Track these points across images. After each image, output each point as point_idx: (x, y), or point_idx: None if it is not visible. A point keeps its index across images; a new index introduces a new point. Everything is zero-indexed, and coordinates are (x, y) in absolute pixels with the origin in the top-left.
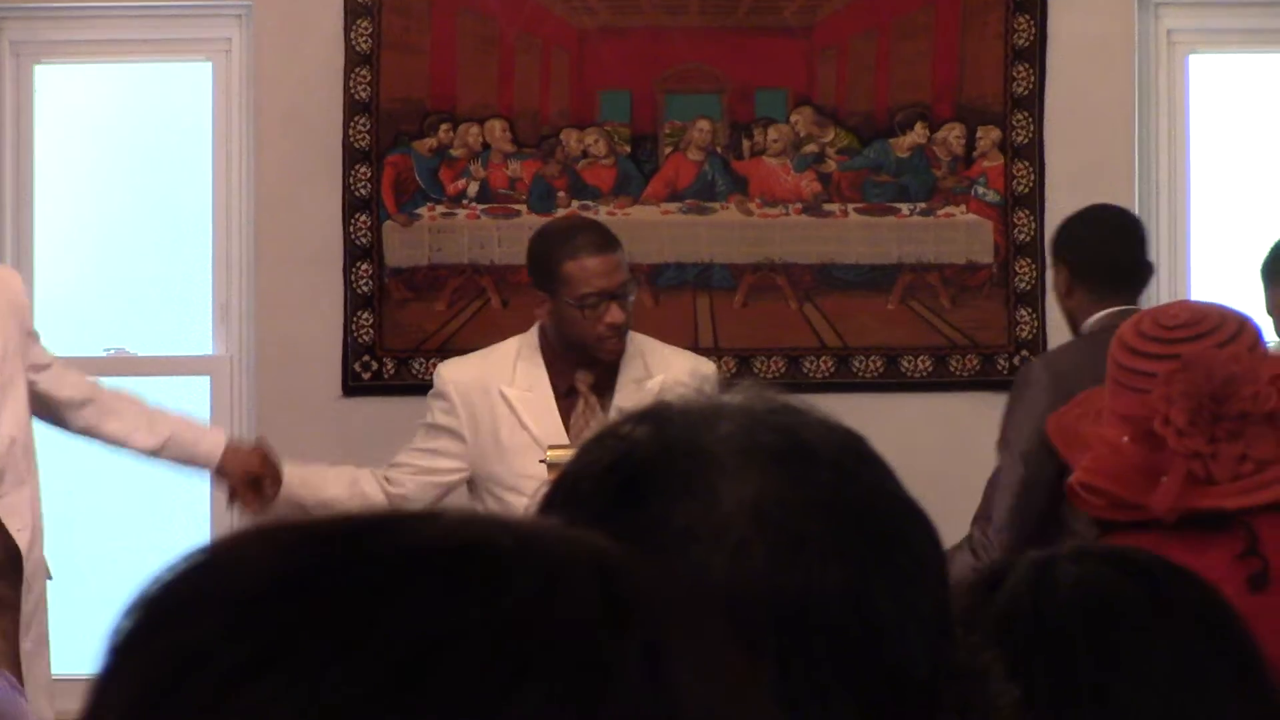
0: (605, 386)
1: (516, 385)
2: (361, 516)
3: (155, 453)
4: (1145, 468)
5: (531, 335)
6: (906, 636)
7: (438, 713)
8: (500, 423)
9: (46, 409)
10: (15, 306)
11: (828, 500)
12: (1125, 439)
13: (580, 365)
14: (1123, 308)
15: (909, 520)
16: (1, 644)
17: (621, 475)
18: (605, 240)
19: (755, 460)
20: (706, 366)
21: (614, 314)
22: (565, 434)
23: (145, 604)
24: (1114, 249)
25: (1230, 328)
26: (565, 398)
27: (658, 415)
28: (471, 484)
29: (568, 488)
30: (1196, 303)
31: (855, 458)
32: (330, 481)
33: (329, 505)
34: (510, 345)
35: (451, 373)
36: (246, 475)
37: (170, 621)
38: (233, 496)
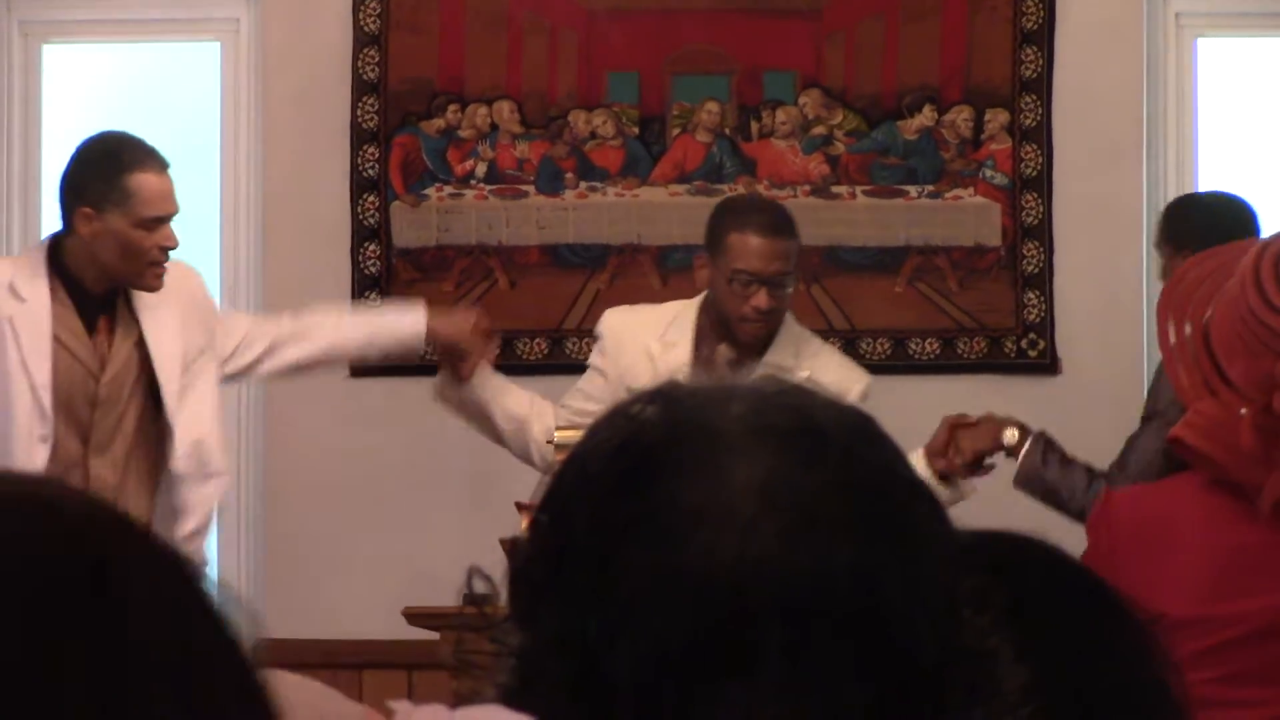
0: (744, 367)
1: (663, 343)
2: None
3: (364, 350)
4: (1260, 449)
5: (693, 304)
6: (915, 619)
7: None
8: (639, 373)
9: (272, 369)
10: (196, 306)
11: (838, 481)
12: (1243, 411)
13: (724, 340)
14: None
15: (918, 502)
16: None
17: (631, 455)
18: (780, 225)
19: (765, 440)
20: (858, 384)
21: (760, 298)
22: None
23: None
24: (1233, 236)
25: None
26: (699, 366)
27: (667, 395)
28: None
29: (577, 467)
30: None
31: (865, 439)
32: (514, 396)
33: (507, 415)
34: (672, 306)
35: (612, 317)
36: (452, 344)
37: None
38: (441, 364)
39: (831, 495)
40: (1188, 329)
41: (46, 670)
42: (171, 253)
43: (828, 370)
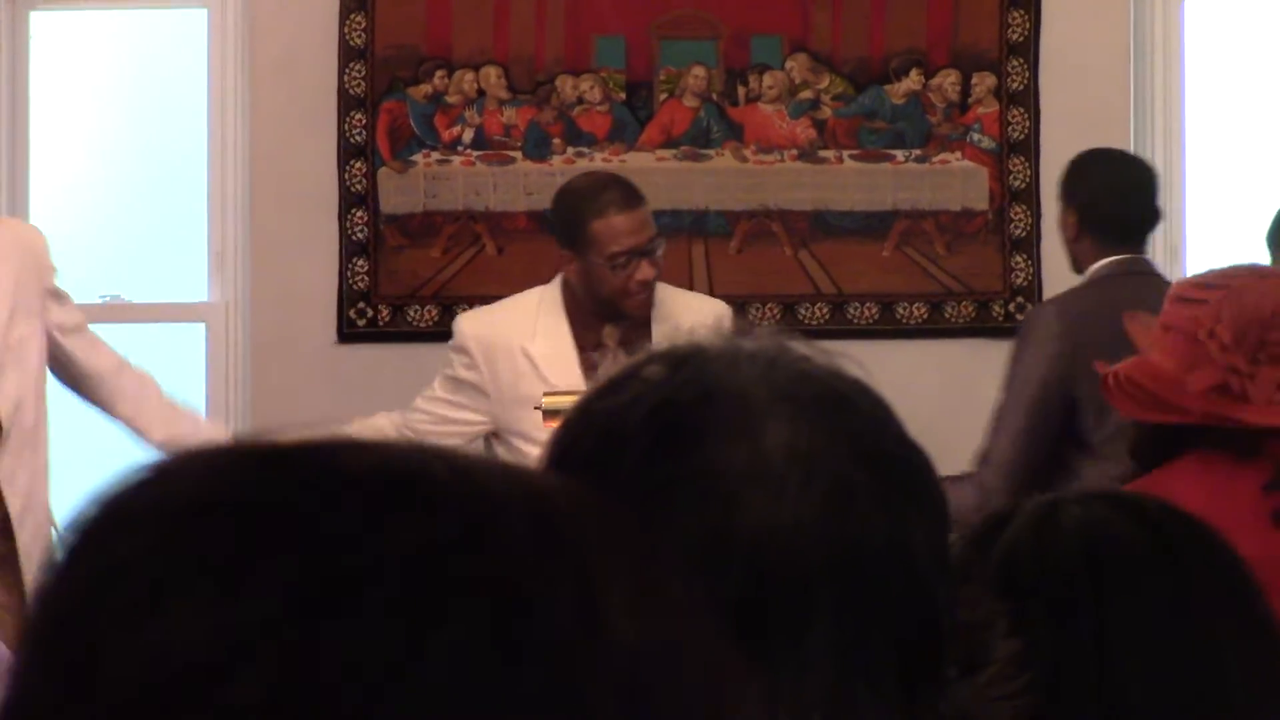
0: (634, 342)
1: (538, 340)
2: (303, 442)
3: (161, 446)
4: (1183, 364)
5: (554, 289)
6: (938, 586)
7: (353, 641)
8: (521, 377)
9: (66, 373)
10: (33, 265)
11: (869, 449)
12: (1165, 329)
13: (607, 320)
14: (1131, 255)
15: (930, 470)
16: (4, 597)
17: (665, 419)
18: (631, 196)
19: (795, 405)
20: (722, 307)
21: (644, 271)
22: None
23: (82, 518)
24: (1128, 199)
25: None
26: (586, 352)
27: (694, 358)
28: (492, 435)
29: (599, 429)
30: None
31: (883, 408)
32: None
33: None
34: (531, 297)
35: (472, 326)
36: None
37: (101, 537)
38: None
39: (865, 464)
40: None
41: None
42: (153, 220)
43: (694, 312)
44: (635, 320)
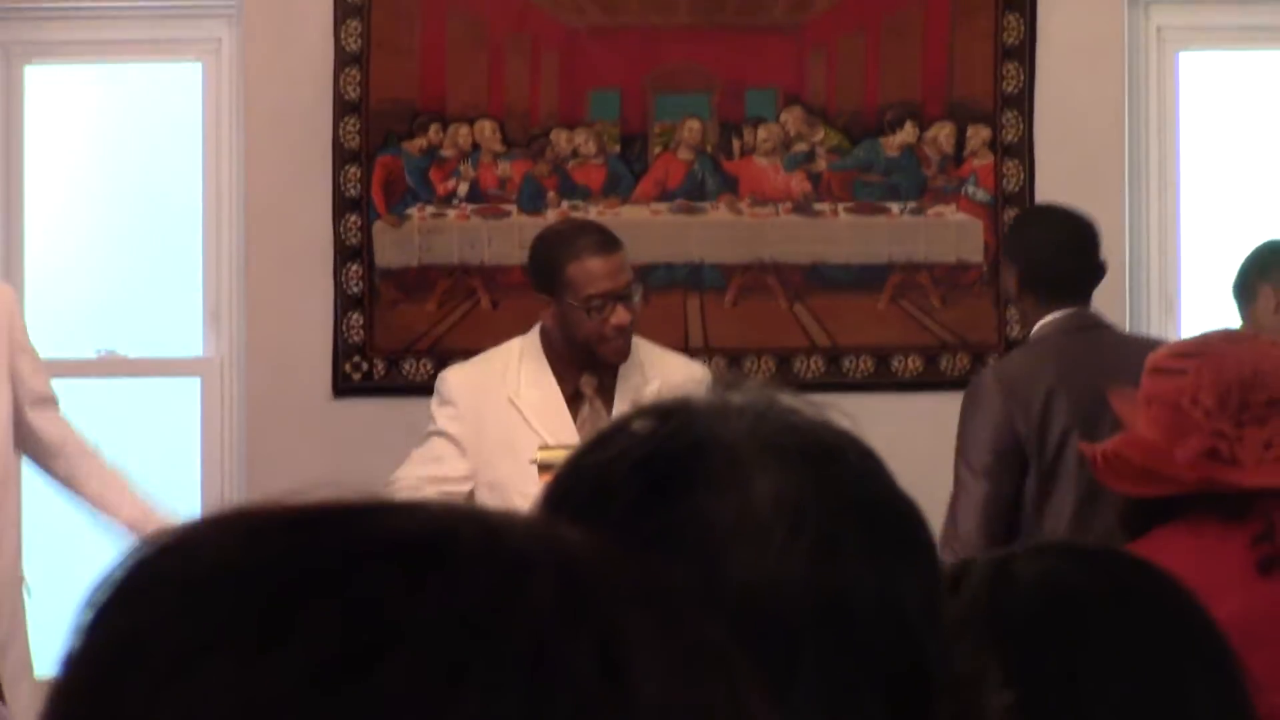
0: (608, 390)
1: (524, 390)
2: (329, 504)
3: (121, 525)
4: (1170, 435)
5: (533, 337)
6: (928, 637)
7: (377, 708)
8: (512, 428)
9: (29, 444)
10: (6, 322)
11: (856, 501)
12: (1149, 403)
13: (585, 368)
14: (1072, 310)
15: (920, 523)
16: None
17: (653, 471)
18: (607, 241)
19: (782, 458)
20: (700, 371)
21: (619, 315)
22: (577, 436)
23: (106, 584)
24: (1064, 258)
25: (1262, 339)
26: (571, 400)
27: (681, 411)
28: (476, 492)
29: (590, 481)
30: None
31: (871, 460)
32: None
33: None
34: (512, 347)
35: (457, 379)
36: None
37: (124, 602)
38: None
39: (853, 515)
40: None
41: None
42: (146, 272)
43: (673, 371)
44: (611, 366)
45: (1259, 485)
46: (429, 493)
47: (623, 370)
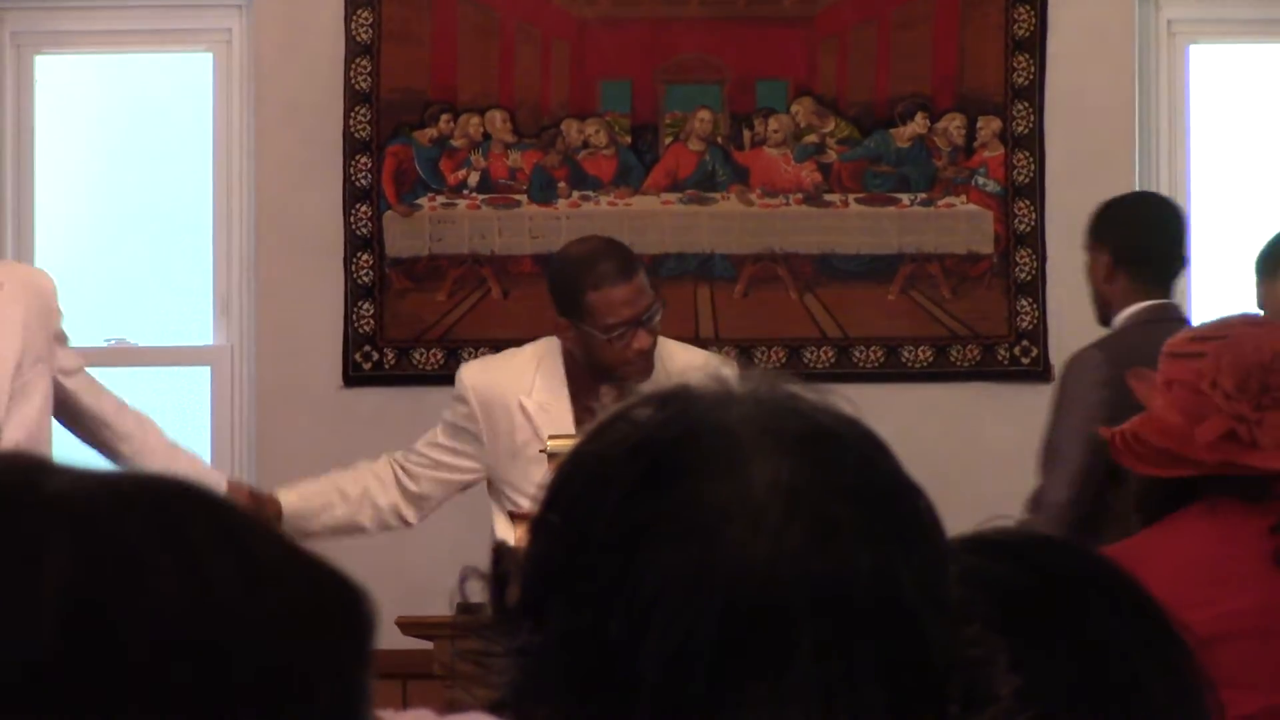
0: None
1: (535, 396)
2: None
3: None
4: (1189, 417)
5: (554, 345)
6: (928, 621)
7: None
8: (517, 431)
9: (69, 415)
10: (43, 310)
11: (855, 485)
12: (1170, 385)
13: (603, 381)
14: (1163, 301)
15: (923, 507)
16: None
17: (649, 454)
18: (627, 265)
19: (782, 443)
20: (724, 365)
21: (641, 340)
22: None
23: None
24: (1164, 241)
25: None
26: (584, 409)
27: (679, 397)
28: (490, 484)
29: (588, 468)
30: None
31: (874, 444)
32: (336, 504)
33: (341, 531)
34: (530, 352)
35: (472, 377)
36: None
37: None
38: None
39: (850, 499)
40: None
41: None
42: (158, 261)
43: (692, 369)
44: (634, 384)
45: (1278, 468)
46: (431, 475)
47: (653, 377)
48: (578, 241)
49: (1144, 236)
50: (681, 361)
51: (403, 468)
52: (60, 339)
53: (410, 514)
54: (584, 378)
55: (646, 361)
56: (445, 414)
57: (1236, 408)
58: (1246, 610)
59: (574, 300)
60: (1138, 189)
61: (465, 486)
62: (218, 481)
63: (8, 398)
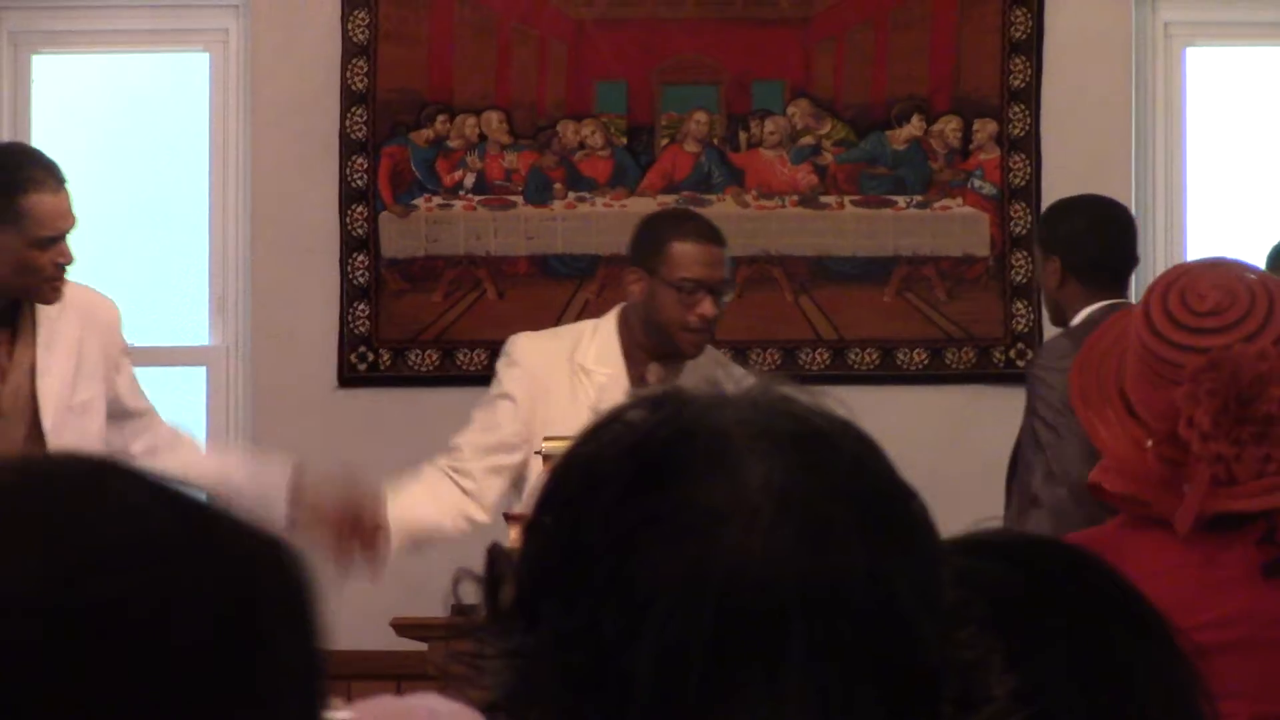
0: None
1: (591, 363)
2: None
3: (214, 486)
4: (1169, 477)
5: (609, 319)
6: (923, 624)
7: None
8: (573, 399)
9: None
10: (103, 338)
11: (847, 486)
12: (1149, 443)
13: (655, 357)
14: (1118, 300)
15: (917, 508)
16: None
17: (643, 454)
18: (715, 234)
19: (776, 444)
20: None
21: (705, 306)
22: None
23: None
24: (1111, 244)
25: (1260, 313)
26: (638, 379)
27: (673, 399)
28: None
29: (582, 469)
30: (1226, 275)
31: (867, 446)
32: (418, 507)
33: (430, 534)
34: (585, 325)
35: (527, 342)
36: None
37: None
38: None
39: (843, 500)
40: (1107, 381)
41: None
42: (153, 262)
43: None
44: (681, 359)
45: (1262, 508)
46: (482, 465)
47: (689, 367)
48: (675, 205)
49: (1090, 244)
50: (732, 377)
51: (453, 468)
52: (123, 366)
53: (476, 511)
54: (639, 351)
55: (702, 333)
56: (495, 389)
57: (1213, 449)
58: (1230, 620)
59: (657, 246)
60: (1134, 191)
61: (514, 469)
62: (281, 474)
63: (56, 413)
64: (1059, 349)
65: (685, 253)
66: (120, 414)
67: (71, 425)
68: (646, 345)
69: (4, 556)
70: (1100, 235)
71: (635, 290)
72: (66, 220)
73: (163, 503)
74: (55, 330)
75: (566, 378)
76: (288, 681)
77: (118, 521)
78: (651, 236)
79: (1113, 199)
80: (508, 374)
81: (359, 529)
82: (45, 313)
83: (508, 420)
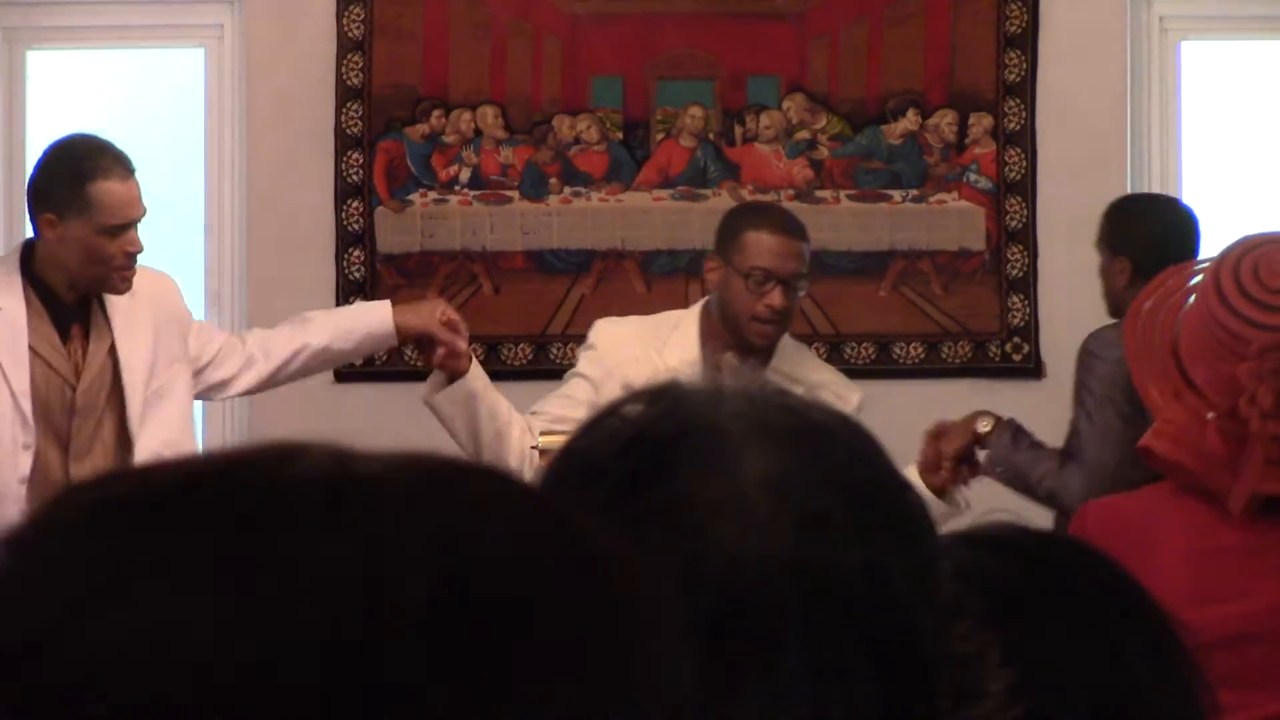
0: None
1: (669, 351)
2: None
3: (333, 348)
4: (1227, 454)
5: (693, 312)
6: (920, 617)
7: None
8: (638, 383)
9: (231, 390)
10: (172, 315)
11: (843, 479)
12: (1210, 415)
13: (731, 347)
14: None
15: (913, 503)
16: None
17: (640, 450)
18: (795, 227)
19: (771, 438)
20: (855, 394)
21: (775, 297)
22: None
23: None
24: (1183, 249)
25: None
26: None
27: (670, 394)
28: None
29: (578, 464)
30: None
31: (863, 440)
32: (501, 398)
33: (493, 413)
34: (669, 315)
35: (607, 327)
36: (421, 335)
37: (17, 549)
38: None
39: (839, 493)
40: (1157, 341)
41: None
42: (146, 258)
43: (827, 382)
44: (756, 352)
45: None
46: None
47: (776, 357)
48: (763, 200)
49: (1164, 247)
50: (815, 377)
51: (529, 424)
52: (194, 332)
53: (516, 464)
54: (716, 342)
55: (773, 325)
56: (570, 373)
57: (1272, 429)
58: (1270, 609)
59: (733, 235)
60: (1129, 185)
61: None
62: (383, 315)
63: (142, 403)
64: (1111, 337)
65: (758, 242)
66: (210, 364)
67: (152, 415)
68: (722, 336)
69: (406, 558)
70: (1175, 240)
71: (712, 279)
72: (135, 209)
73: (533, 503)
74: (132, 321)
75: (643, 365)
76: (658, 685)
77: (509, 524)
78: (730, 225)
79: (1179, 200)
80: (584, 356)
81: (432, 342)
82: (116, 305)
83: (584, 396)
